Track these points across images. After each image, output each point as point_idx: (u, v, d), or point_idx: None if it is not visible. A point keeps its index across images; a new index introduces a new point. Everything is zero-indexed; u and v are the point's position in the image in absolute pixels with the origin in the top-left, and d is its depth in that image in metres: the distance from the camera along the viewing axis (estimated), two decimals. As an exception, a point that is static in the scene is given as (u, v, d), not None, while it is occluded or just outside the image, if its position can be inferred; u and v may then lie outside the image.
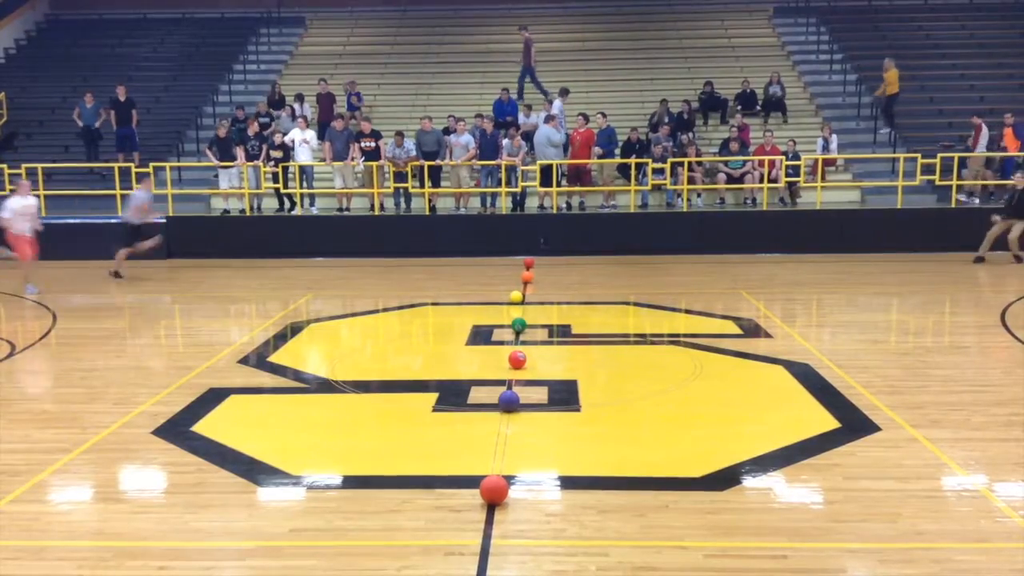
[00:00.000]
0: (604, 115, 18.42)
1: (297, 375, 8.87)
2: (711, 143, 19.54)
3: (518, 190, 17.80)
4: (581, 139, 17.78)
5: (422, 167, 17.45)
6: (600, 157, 17.97)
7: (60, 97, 21.67)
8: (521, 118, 19.13)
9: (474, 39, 24.37)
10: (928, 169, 17.54)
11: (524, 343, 9.76)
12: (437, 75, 22.83)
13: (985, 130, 17.77)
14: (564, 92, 19.30)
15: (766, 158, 17.60)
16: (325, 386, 8.47)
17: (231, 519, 5.48)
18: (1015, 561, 4.85)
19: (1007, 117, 17.91)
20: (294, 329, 10.95)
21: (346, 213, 17.95)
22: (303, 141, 17.90)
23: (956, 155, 17.59)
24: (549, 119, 17.84)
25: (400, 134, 17.89)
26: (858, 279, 14.13)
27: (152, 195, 15.44)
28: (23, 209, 13.72)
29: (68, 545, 5.19)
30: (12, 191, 14.42)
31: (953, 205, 17.37)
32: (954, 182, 17.37)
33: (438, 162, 17.70)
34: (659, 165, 17.71)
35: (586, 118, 18.04)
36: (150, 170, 17.01)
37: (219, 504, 5.67)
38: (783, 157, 17.66)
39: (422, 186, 17.52)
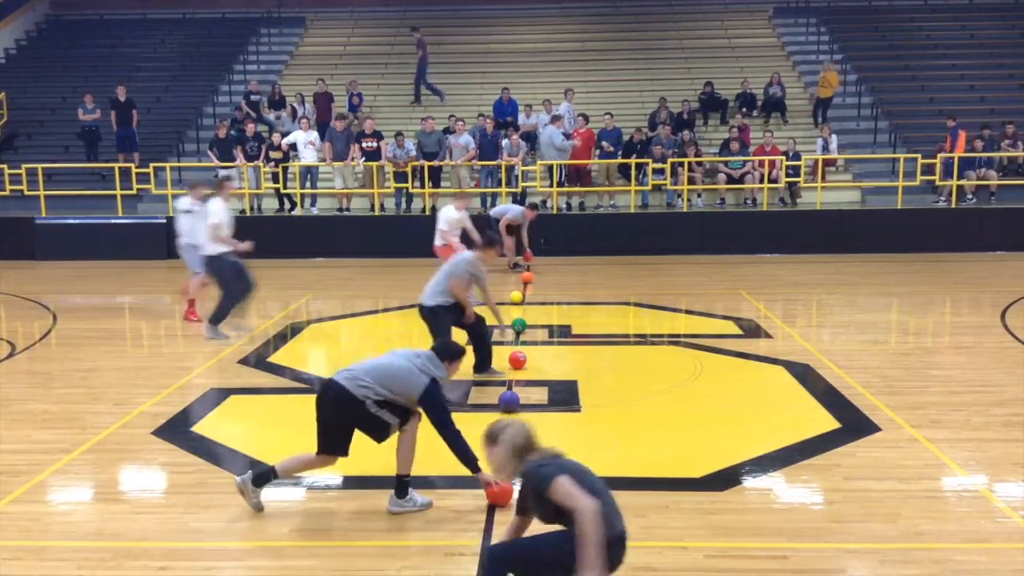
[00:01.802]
0: (611, 115, 18.45)
1: (297, 375, 8.86)
2: (711, 143, 19.54)
3: (518, 190, 17.80)
4: (582, 140, 17.79)
5: (422, 167, 17.46)
6: (610, 155, 17.97)
7: (60, 97, 21.67)
8: (521, 118, 19.13)
9: (474, 39, 24.36)
10: (928, 169, 17.55)
11: (524, 343, 9.75)
12: (437, 75, 22.81)
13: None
14: (568, 93, 19.34)
15: (766, 158, 17.60)
16: (325, 386, 8.46)
17: (231, 519, 5.48)
18: (1015, 562, 4.85)
19: (947, 121, 17.93)
20: (294, 329, 10.95)
21: (346, 213, 17.95)
22: (308, 143, 17.89)
23: (954, 155, 17.59)
24: (555, 120, 17.85)
25: (400, 134, 17.91)
26: (858, 279, 14.13)
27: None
28: (459, 223, 12.69)
29: (68, 545, 5.19)
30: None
31: (954, 205, 17.39)
32: (955, 182, 17.38)
33: (438, 162, 17.72)
34: (659, 165, 17.71)
35: (586, 119, 18.04)
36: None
37: (219, 504, 5.67)
38: (783, 157, 17.67)
39: (422, 186, 17.53)
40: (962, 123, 18.36)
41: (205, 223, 10.29)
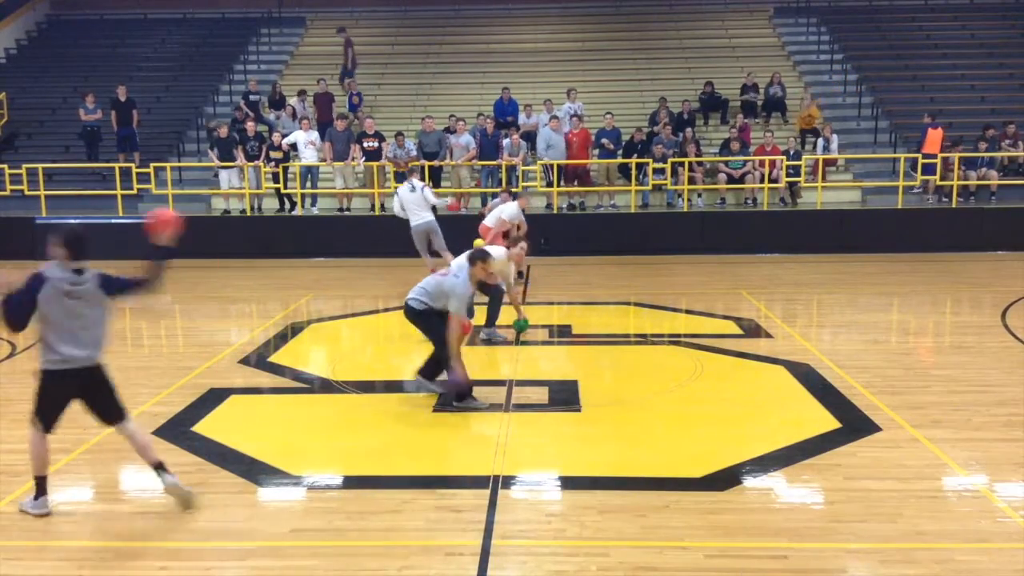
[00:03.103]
0: (611, 115, 18.46)
1: (297, 375, 8.86)
2: (711, 143, 19.54)
3: (518, 190, 17.79)
4: (578, 140, 17.79)
5: (423, 167, 17.45)
6: (610, 155, 17.95)
7: (60, 97, 21.67)
8: (521, 118, 19.13)
9: (474, 39, 24.36)
10: (929, 169, 17.54)
11: (524, 343, 9.76)
12: (437, 75, 22.84)
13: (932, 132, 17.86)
14: (570, 92, 19.35)
15: (767, 158, 17.60)
16: (325, 386, 8.47)
17: (231, 519, 5.48)
18: (1016, 561, 4.85)
19: (926, 117, 17.95)
20: (294, 329, 10.95)
21: (346, 213, 17.95)
22: (308, 143, 17.89)
23: (957, 155, 17.59)
24: (552, 120, 17.85)
25: (400, 134, 17.91)
26: (858, 279, 14.12)
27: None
28: (516, 219, 12.49)
29: (69, 545, 5.19)
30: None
31: (954, 205, 17.38)
32: (955, 182, 17.38)
33: (438, 162, 17.72)
34: (660, 165, 17.71)
35: (580, 118, 18.06)
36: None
37: (219, 504, 5.67)
38: (783, 157, 17.66)
39: (423, 186, 17.51)
40: (962, 123, 18.38)
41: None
